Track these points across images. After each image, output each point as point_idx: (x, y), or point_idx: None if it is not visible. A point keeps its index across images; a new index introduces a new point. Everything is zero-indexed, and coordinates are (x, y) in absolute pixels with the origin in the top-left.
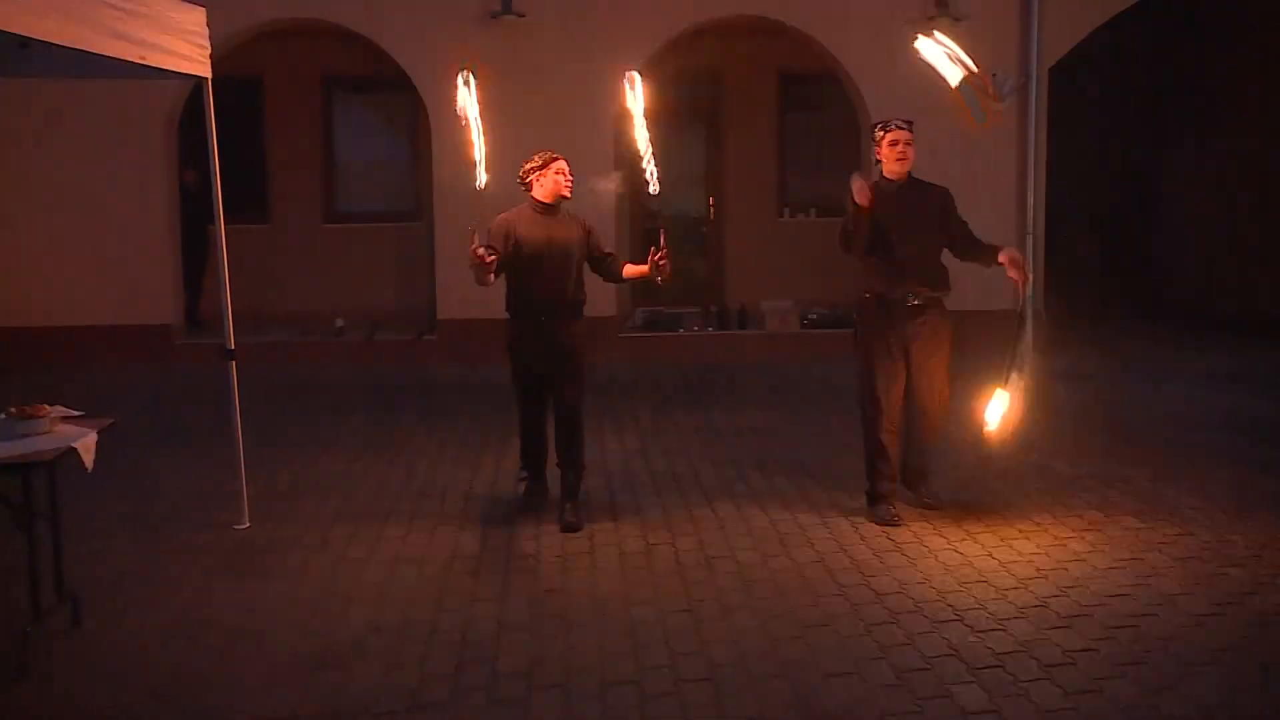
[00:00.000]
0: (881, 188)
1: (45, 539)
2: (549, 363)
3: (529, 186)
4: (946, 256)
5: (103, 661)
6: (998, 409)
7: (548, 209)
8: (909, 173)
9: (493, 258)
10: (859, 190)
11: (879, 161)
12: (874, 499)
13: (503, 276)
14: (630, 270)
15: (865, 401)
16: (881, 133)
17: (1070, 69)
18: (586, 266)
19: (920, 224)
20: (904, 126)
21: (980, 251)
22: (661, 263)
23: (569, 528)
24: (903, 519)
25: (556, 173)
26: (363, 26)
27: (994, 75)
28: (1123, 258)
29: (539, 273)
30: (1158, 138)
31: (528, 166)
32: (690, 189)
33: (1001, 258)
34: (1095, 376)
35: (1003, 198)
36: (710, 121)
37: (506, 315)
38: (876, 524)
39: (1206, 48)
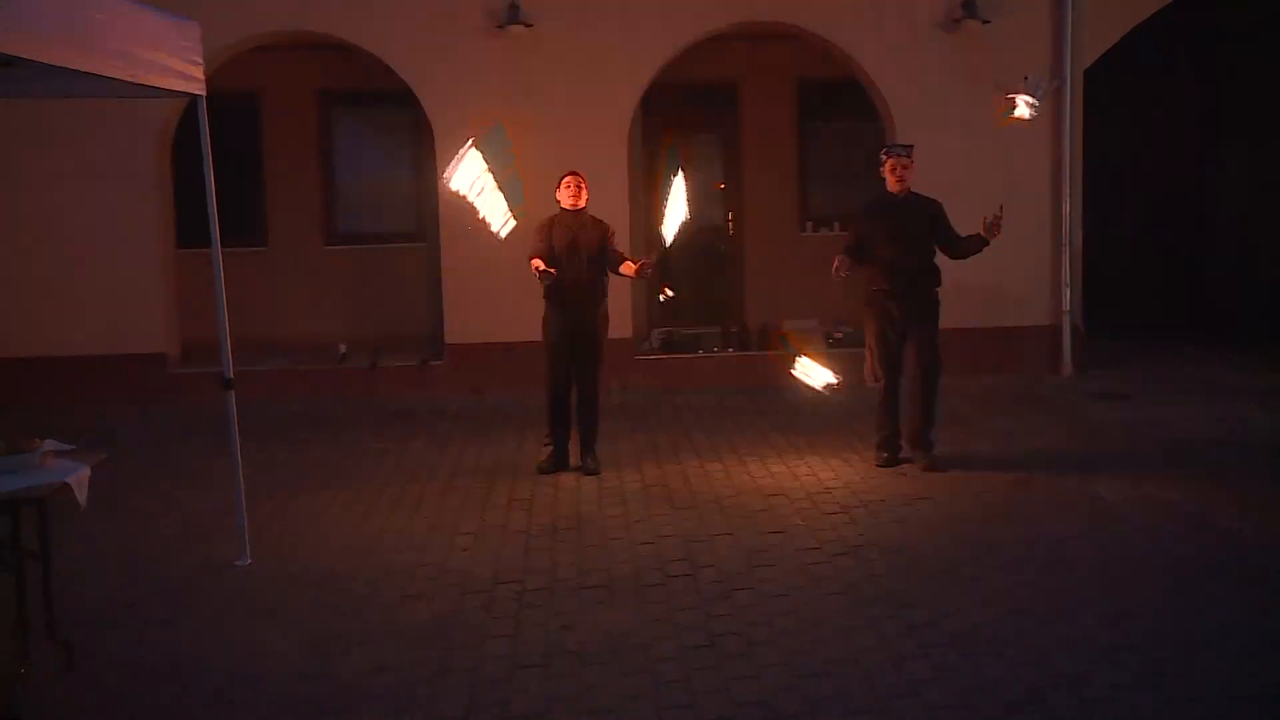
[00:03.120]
0: (884, 201)
1: (35, 580)
2: (572, 340)
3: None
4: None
5: (96, 707)
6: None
7: (571, 214)
8: (909, 188)
9: (550, 271)
10: (836, 269)
11: (883, 179)
12: (879, 447)
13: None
14: (625, 268)
15: (872, 373)
16: (885, 158)
17: (1108, 71)
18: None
19: (915, 230)
20: (900, 153)
21: (967, 244)
22: (647, 270)
23: (589, 471)
24: (896, 461)
25: (564, 187)
26: (363, 39)
27: (1025, 79)
28: (1167, 270)
29: (563, 265)
30: (1204, 145)
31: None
32: (707, 204)
33: (981, 229)
34: (1138, 396)
35: (1038, 208)
36: (726, 133)
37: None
38: (879, 467)
39: (1254, 47)
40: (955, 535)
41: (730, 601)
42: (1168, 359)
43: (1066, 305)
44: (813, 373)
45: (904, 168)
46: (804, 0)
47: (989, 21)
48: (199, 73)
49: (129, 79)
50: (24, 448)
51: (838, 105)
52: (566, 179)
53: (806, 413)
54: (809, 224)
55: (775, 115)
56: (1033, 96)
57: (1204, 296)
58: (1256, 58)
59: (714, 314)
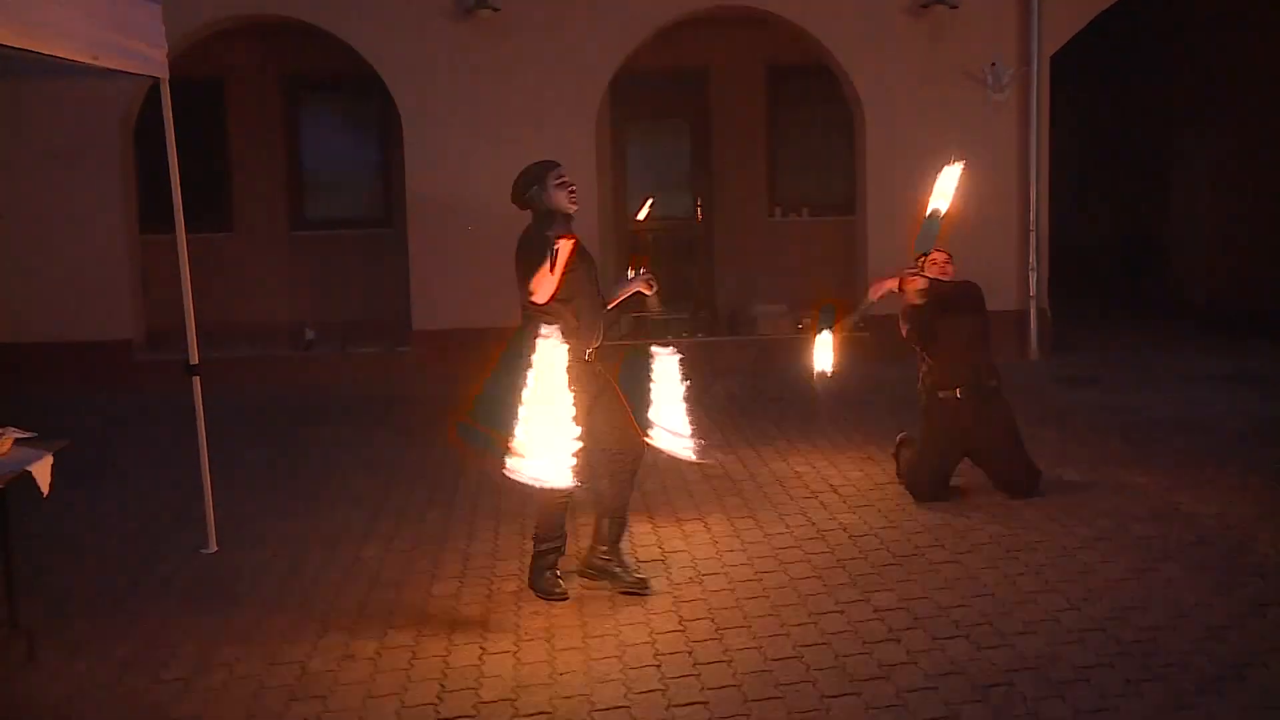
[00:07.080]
0: (933, 289)
1: None
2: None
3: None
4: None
5: (59, 699)
6: (824, 351)
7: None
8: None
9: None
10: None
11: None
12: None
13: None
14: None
15: (911, 474)
16: (924, 258)
17: (1074, 56)
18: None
19: (960, 320)
20: (942, 250)
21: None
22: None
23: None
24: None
25: (564, 185)
26: (328, 23)
27: (992, 65)
28: (1133, 255)
29: (584, 311)
30: (1168, 130)
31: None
32: (676, 190)
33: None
34: (1104, 379)
35: (1005, 193)
36: (696, 119)
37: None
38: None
39: (1214, 34)
40: (922, 520)
41: (701, 586)
42: (1134, 344)
43: (1033, 290)
44: (820, 354)
45: (946, 262)
46: None
47: (956, 7)
48: (161, 55)
49: (89, 61)
50: None
51: (807, 91)
52: (563, 173)
53: (775, 398)
54: (778, 209)
55: (745, 101)
56: (1000, 83)
57: (1170, 282)
58: (1220, 46)
59: (683, 298)
